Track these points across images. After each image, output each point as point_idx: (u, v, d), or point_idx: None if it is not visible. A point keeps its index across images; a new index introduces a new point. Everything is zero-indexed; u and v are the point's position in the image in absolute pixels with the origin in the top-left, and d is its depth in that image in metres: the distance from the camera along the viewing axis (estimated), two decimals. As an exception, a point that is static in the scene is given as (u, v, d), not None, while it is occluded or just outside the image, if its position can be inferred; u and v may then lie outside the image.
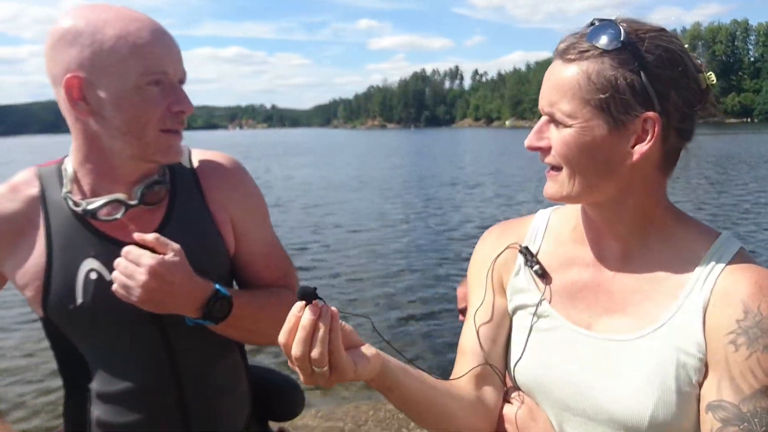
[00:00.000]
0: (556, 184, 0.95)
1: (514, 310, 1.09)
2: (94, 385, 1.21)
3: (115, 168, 1.18)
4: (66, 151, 1.24)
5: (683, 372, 0.89)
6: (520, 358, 1.05)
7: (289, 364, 0.87)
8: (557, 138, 0.92)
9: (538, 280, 1.06)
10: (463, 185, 19.07)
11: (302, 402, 1.53)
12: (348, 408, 4.36)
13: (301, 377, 0.86)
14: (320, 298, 0.84)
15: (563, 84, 0.90)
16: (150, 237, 1.13)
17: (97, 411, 1.22)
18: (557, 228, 1.10)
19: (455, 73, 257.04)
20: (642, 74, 0.87)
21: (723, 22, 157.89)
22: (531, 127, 0.97)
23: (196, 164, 1.30)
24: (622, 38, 0.87)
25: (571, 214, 1.08)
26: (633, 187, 0.94)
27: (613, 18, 0.91)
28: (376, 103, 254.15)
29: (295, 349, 0.83)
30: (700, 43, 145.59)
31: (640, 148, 0.89)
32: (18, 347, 5.77)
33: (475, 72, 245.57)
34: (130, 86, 1.09)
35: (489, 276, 1.12)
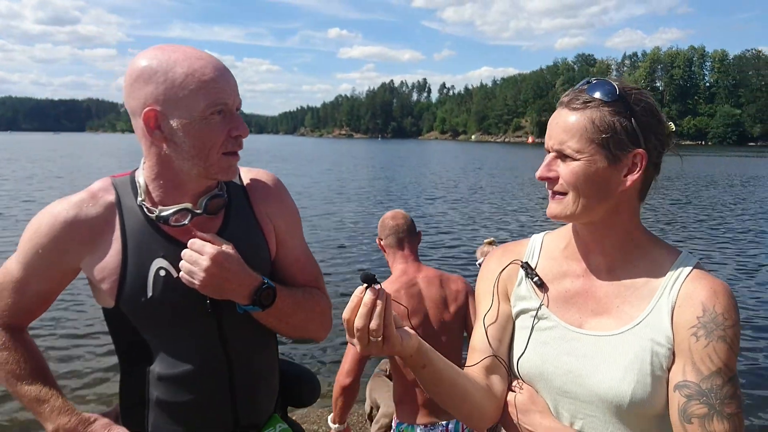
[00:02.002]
0: (561, 205, 1.17)
1: (518, 314, 1.32)
2: (155, 368, 1.39)
3: (182, 183, 1.38)
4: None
5: (656, 360, 1.13)
6: (523, 353, 1.27)
7: (348, 337, 1.08)
8: (566, 169, 1.15)
9: (537, 289, 1.30)
10: (443, 200, 19.25)
11: (319, 390, 1.73)
12: (322, 412, 4.56)
13: (358, 347, 1.08)
14: (378, 282, 1.06)
15: (572, 127, 1.13)
16: (208, 235, 1.35)
17: (156, 392, 1.40)
18: (550, 247, 1.35)
19: (423, 86, 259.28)
20: (633, 120, 1.13)
21: (681, 47, 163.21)
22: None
23: (246, 181, 1.52)
24: (617, 93, 1.14)
25: (562, 235, 1.33)
26: (620, 209, 1.19)
27: (605, 78, 1.18)
28: (344, 113, 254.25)
29: (358, 322, 1.04)
30: (659, 66, 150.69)
31: (632, 177, 1.15)
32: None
33: (443, 85, 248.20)
34: (198, 116, 1.29)
35: (495, 287, 1.36)
